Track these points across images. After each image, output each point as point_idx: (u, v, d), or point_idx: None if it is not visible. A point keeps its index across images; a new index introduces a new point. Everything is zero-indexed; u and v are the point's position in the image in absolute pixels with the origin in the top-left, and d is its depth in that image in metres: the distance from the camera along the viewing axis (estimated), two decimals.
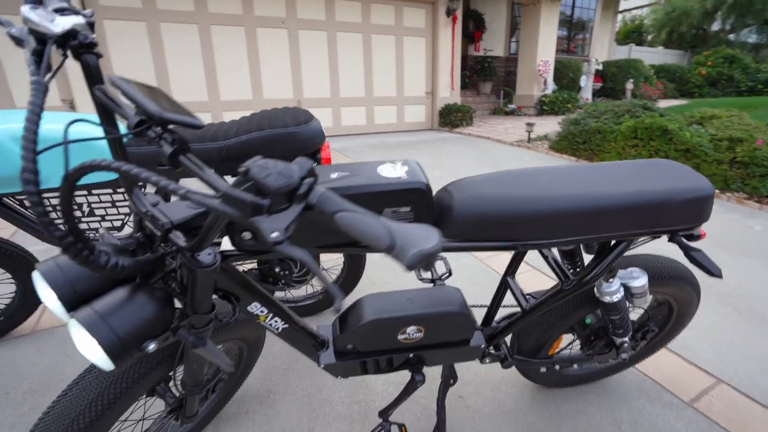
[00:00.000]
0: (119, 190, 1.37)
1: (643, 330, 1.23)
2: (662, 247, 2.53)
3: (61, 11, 0.55)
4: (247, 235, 0.72)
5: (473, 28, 10.59)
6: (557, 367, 1.23)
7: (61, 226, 0.48)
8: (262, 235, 0.41)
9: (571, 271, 1.11)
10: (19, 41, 0.56)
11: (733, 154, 3.77)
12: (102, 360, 0.60)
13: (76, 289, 0.62)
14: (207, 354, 0.73)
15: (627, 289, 1.03)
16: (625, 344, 1.16)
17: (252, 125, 1.29)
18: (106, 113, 0.62)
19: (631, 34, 18.69)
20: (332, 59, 6.72)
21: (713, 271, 0.90)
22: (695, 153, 3.90)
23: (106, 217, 1.42)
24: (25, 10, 0.53)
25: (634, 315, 1.38)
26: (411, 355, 1.04)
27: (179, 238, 0.64)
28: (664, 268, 1.15)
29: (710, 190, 0.90)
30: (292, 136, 1.28)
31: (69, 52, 0.59)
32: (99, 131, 1.34)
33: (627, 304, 1.07)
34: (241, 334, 1.06)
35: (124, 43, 5.22)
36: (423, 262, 0.41)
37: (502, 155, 5.58)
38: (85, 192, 1.35)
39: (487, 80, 10.33)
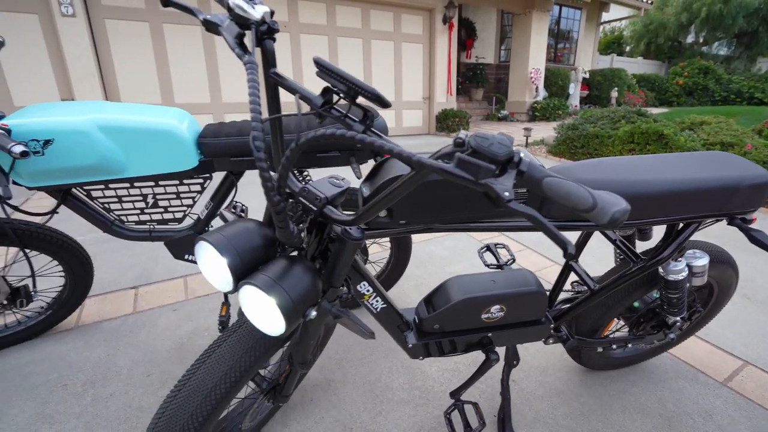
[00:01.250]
0: (185, 182, 1.39)
1: (691, 310, 1.33)
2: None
3: (253, 1, 0.60)
4: (382, 212, 0.77)
5: (465, 36, 10.86)
6: (614, 346, 1.31)
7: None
8: (496, 194, 0.46)
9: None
10: (212, 26, 0.60)
11: None
12: (276, 322, 0.64)
13: (242, 259, 0.66)
14: (349, 323, 0.78)
15: (690, 268, 1.13)
16: (678, 323, 1.25)
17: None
18: (274, 95, 0.66)
19: (612, 45, 19.42)
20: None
21: None
22: None
23: (169, 209, 1.43)
24: None
25: None
26: (489, 334, 1.10)
27: (334, 212, 0.69)
28: (712, 252, 1.25)
29: None
30: None
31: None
32: (192, 120, 1.40)
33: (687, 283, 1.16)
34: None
35: (127, 43, 5.16)
36: (623, 217, 0.48)
37: None
38: (152, 183, 1.36)
39: (479, 87, 10.58)
